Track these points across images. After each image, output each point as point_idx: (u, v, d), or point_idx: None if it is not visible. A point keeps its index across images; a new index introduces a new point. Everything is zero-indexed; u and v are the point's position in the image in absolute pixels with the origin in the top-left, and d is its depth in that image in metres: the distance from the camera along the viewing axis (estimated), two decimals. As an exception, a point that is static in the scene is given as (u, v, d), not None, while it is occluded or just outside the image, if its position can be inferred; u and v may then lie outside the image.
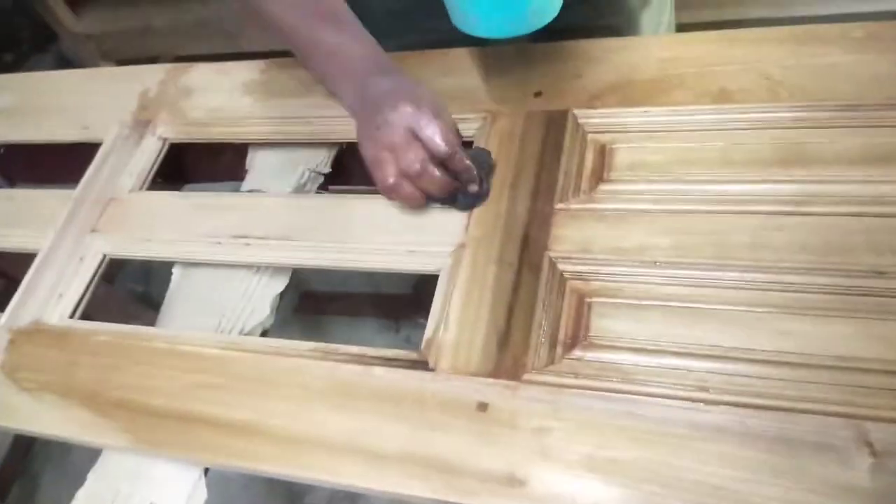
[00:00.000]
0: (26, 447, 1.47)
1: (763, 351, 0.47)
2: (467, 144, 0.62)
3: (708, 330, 0.48)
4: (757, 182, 0.53)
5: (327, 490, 1.33)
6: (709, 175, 0.54)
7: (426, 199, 0.59)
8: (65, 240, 0.67)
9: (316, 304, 1.57)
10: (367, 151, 0.59)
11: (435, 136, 0.56)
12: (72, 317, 0.63)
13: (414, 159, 0.56)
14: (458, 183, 0.58)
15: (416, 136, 0.56)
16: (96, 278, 0.65)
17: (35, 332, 0.62)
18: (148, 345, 0.59)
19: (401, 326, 1.54)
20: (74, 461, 1.44)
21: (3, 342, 0.63)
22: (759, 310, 0.48)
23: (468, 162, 0.57)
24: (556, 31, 0.70)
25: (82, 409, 0.56)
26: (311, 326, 1.55)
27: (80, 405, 0.56)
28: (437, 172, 0.57)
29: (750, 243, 0.50)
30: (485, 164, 0.60)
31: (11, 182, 0.91)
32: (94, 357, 0.59)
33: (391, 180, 0.57)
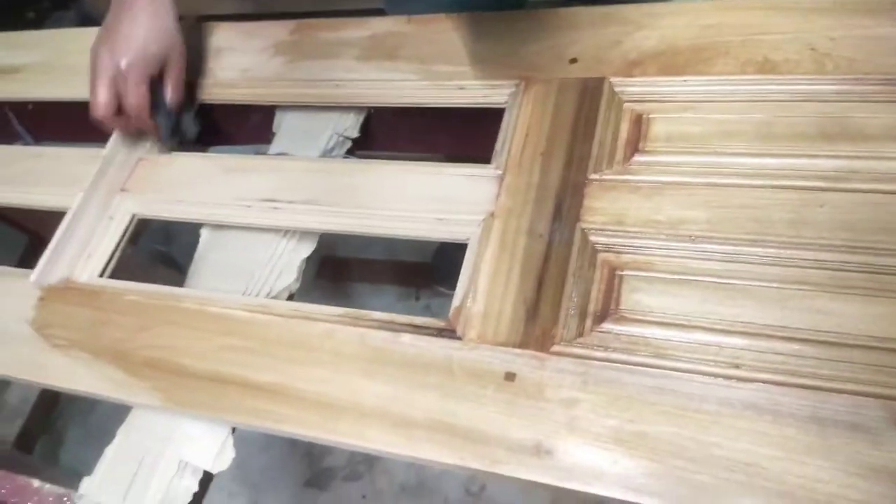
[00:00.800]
0: (50, 404, 1.51)
1: (798, 329, 0.46)
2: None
3: (743, 306, 0.47)
4: (799, 156, 0.52)
5: (346, 452, 1.36)
6: (749, 148, 0.53)
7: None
8: (94, 199, 0.67)
9: (336, 269, 1.58)
10: (92, 63, 0.66)
11: (133, 97, 0.65)
12: (101, 276, 0.63)
13: (105, 103, 0.64)
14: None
15: (121, 80, 0.64)
16: (125, 238, 0.65)
17: (65, 290, 0.63)
18: (177, 305, 0.59)
19: (420, 294, 1.54)
20: (97, 419, 1.47)
21: (33, 299, 0.63)
22: (796, 287, 0.47)
23: (152, 121, 0.68)
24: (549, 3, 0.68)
25: (113, 368, 0.57)
26: (332, 292, 1.56)
27: (111, 363, 0.57)
28: (120, 123, 0.67)
29: (789, 219, 0.49)
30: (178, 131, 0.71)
31: (38, 139, 0.91)
32: (124, 316, 0.59)
33: (95, 113, 0.65)
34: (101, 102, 0.65)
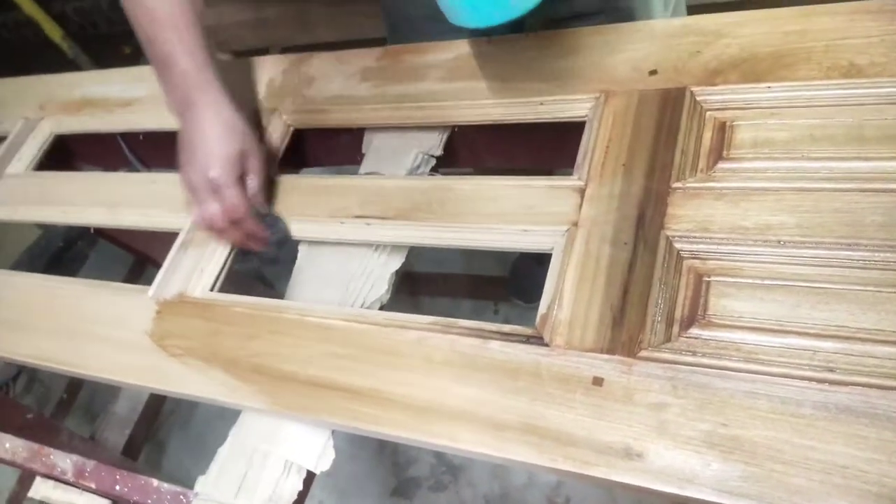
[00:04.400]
0: (153, 415, 1.60)
1: (894, 332, 0.45)
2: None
3: (835, 310, 0.47)
4: (889, 159, 0.51)
5: (429, 463, 1.38)
6: (837, 152, 0.53)
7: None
8: (204, 219, 0.73)
9: (413, 285, 1.62)
10: (181, 182, 0.68)
11: (229, 201, 0.65)
12: (212, 289, 0.69)
13: (217, 217, 0.66)
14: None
15: (216, 189, 0.65)
16: (232, 255, 0.70)
17: (180, 304, 0.68)
18: (280, 316, 0.63)
19: (499, 308, 1.56)
20: (195, 429, 1.56)
21: (151, 312, 0.69)
22: (891, 290, 0.47)
23: (255, 226, 0.68)
24: (567, 20, 0.70)
25: (224, 374, 0.61)
26: (411, 307, 1.60)
27: (223, 370, 0.62)
28: (231, 233, 0.68)
29: (881, 222, 0.49)
30: (278, 229, 0.70)
31: (148, 166, 0.99)
32: (233, 326, 0.64)
33: (199, 222, 0.68)
34: (203, 217, 0.66)
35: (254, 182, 0.67)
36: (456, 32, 0.71)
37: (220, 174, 0.64)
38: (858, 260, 0.48)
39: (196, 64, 0.66)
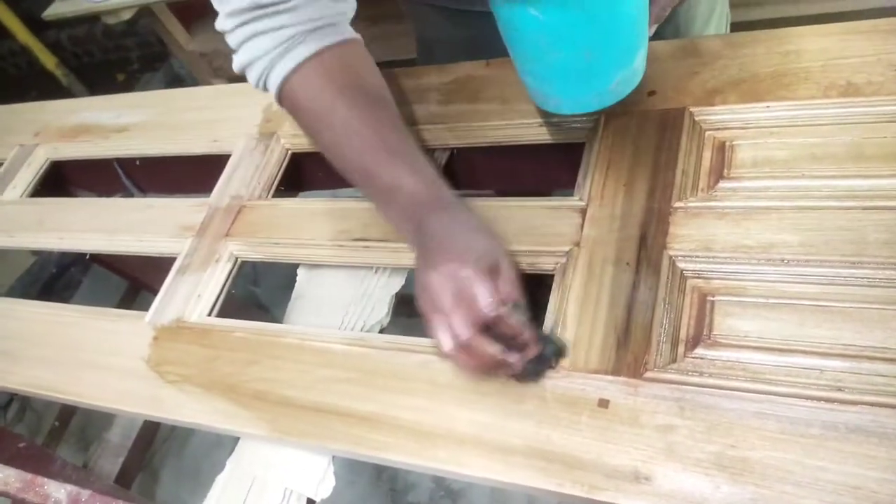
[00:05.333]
0: (147, 442, 1.58)
1: (902, 350, 0.45)
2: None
3: (841, 329, 0.47)
4: (890, 177, 0.51)
5: (428, 488, 1.36)
6: (838, 170, 0.53)
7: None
8: (202, 244, 0.73)
9: (409, 307, 1.60)
10: (421, 307, 0.53)
11: (477, 298, 0.49)
12: (209, 315, 0.68)
13: (461, 326, 0.49)
14: (516, 354, 0.51)
15: (462, 295, 0.50)
16: (230, 279, 0.70)
17: (177, 330, 0.67)
18: (280, 340, 0.63)
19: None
20: (189, 457, 1.53)
21: (148, 338, 0.68)
22: (895, 308, 0.46)
23: (516, 324, 0.50)
24: None
25: (223, 400, 0.60)
26: (409, 329, 1.59)
27: (222, 396, 0.61)
28: (484, 344, 0.50)
29: (885, 240, 0.49)
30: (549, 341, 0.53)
31: (144, 191, 0.98)
32: (232, 352, 0.63)
33: (446, 349, 0.51)
34: (447, 337, 0.50)
35: (507, 283, 0.51)
36: (486, 56, 0.72)
37: (470, 273, 0.50)
38: (862, 278, 0.48)
39: (425, 181, 0.57)
